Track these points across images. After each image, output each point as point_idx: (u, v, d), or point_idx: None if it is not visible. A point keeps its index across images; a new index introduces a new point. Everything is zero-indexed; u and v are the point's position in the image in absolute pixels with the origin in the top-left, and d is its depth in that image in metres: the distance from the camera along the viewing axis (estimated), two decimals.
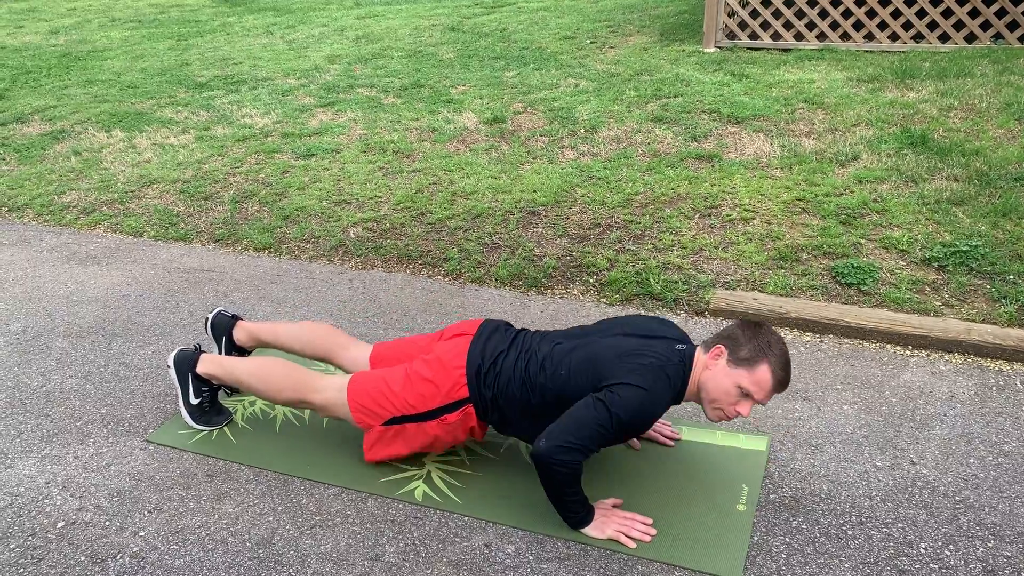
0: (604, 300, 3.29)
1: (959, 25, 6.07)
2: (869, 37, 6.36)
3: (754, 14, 6.57)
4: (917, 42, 6.20)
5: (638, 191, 4.12)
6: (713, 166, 4.34)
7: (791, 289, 3.22)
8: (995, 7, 5.93)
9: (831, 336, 2.98)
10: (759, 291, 3.22)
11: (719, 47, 6.65)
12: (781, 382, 2.06)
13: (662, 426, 2.48)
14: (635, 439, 2.46)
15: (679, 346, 2.15)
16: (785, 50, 6.45)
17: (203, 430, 2.57)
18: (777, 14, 6.51)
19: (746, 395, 2.06)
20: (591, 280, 3.42)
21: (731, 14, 6.61)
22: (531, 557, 2.06)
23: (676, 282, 3.32)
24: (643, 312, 3.19)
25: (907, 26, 6.21)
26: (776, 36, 6.55)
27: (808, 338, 2.98)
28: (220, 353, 2.74)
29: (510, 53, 6.98)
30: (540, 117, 5.26)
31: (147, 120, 5.80)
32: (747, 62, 6.13)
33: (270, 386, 2.40)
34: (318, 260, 3.79)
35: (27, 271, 3.81)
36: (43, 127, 5.84)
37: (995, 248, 3.33)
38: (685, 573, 2.00)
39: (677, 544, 2.08)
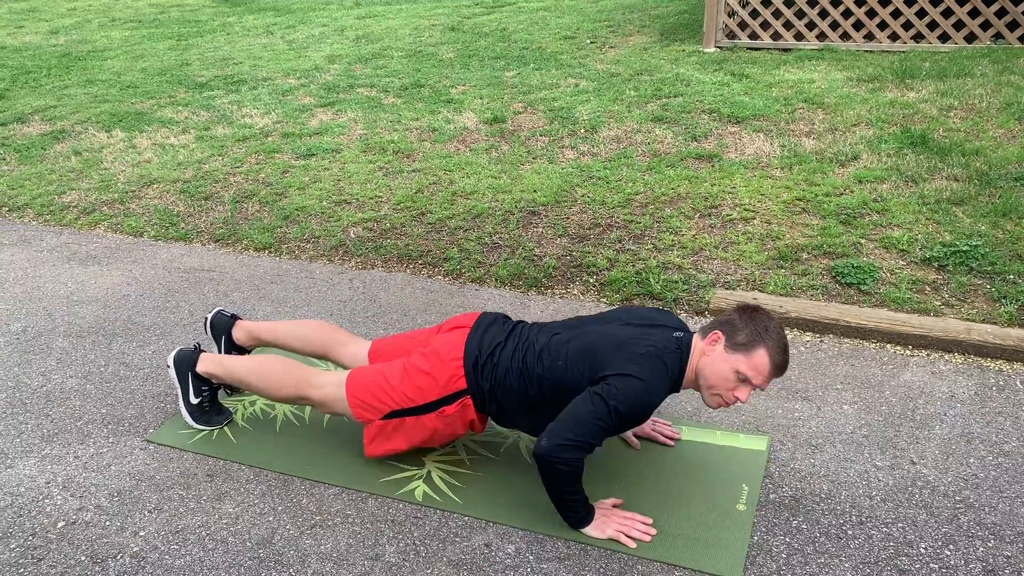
0: (604, 300, 3.29)
1: (959, 25, 6.07)
2: (869, 37, 6.36)
3: (754, 14, 6.57)
4: (917, 42, 6.20)
5: (638, 191, 4.12)
6: (713, 166, 4.35)
7: (791, 289, 3.22)
8: (995, 7, 5.93)
9: (831, 336, 2.98)
10: (759, 291, 3.22)
11: (719, 47, 6.65)
12: (779, 366, 2.05)
13: (662, 426, 2.48)
14: (635, 439, 2.46)
15: (676, 334, 2.14)
16: (785, 50, 6.45)
17: (203, 430, 2.58)
18: (777, 14, 6.52)
19: (744, 380, 2.05)
20: (591, 280, 3.42)
21: (731, 14, 6.61)
22: (531, 557, 2.06)
23: (676, 282, 3.32)
24: None
25: (907, 26, 6.21)
26: (776, 36, 6.56)
27: (808, 338, 2.98)
28: (220, 353, 2.74)
29: (510, 53, 6.98)
30: (540, 117, 5.27)
31: (147, 120, 5.80)
32: (747, 62, 6.13)
33: (269, 383, 2.41)
34: (318, 260, 3.79)
35: (27, 271, 3.81)
36: (43, 127, 5.84)
37: (995, 248, 3.33)
38: (685, 573, 2.00)
39: (677, 544, 2.08)
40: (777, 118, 4.88)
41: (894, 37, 6.27)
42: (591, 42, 7.19)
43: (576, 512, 2.09)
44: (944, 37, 6.13)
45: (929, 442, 2.41)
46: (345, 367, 2.52)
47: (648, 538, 2.08)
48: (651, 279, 3.34)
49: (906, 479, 2.27)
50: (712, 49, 6.60)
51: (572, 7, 8.92)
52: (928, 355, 2.84)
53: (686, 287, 3.29)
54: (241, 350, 2.75)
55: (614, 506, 2.19)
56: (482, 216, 4.00)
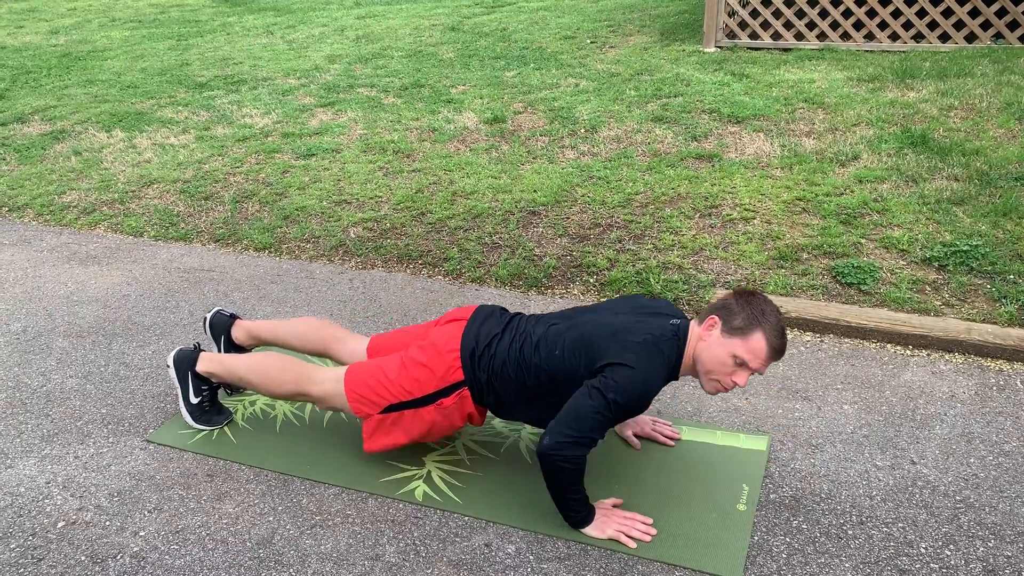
0: (604, 300, 3.29)
1: (959, 25, 6.07)
2: (869, 37, 6.36)
3: (754, 14, 6.57)
4: (917, 42, 6.20)
5: (638, 191, 4.12)
6: (713, 166, 4.34)
7: (791, 289, 3.22)
8: (995, 7, 5.93)
9: (831, 336, 2.98)
10: (760, 291, 3.22)
11: (719, 47, 6.65)
12: (776, 349, 2.03)
13: (662, 426, 2.48)
14: (635, 439, 2.46)
15: (673, 321, 2.12)
16: (785, 50, 6.45)
17: (203, 430, 2.58)
18: (777, 14, 6.52)
19: (742, 364, 2.03)
20: (591, 280, 3.42)
21: (731, 14, 6.61)
22: (531, 557, 2.06)
23: (676, 282, 3.31)
24: None
25: (907, 26, 6.21)
26: (776, 36, 6.55)
27: (808, 338, 2.98)
28: (219, 352, 2.74)
29: (510, 53, 6.98)
30: (540, 117, 5.26)
31: (147, 120, 5.80)
32: (747, 62, 6.13)
33: (269, 380, 2.41)
34: (318, 260, 3.79)
35: (27, 271, 3.81)
36: (43, 127, 5.84)
37: (995, 248, 3.33)
38: (685, 573, 2.00)
39: (677, 544, 2.08)
40: (777, 118, 4.88)
41: (894, 37, 6.27)
42: (591, 42, 7.19)
43: (577, 512, 2.09)
44: (944, 37, 6.13)
45: (929, 442, 2.41)
46: (344, 364, 2.52)
47: (648, 538, 2.08)
48: (651, 279, 3.34)
49: (906, 479, 2.27)
50: (712, 49, 6.60)
51: (572, 7, 8.92)
52: (928, 355, 2.84)
53: (686, 287, 3.29)
54: (240, 349, 2.75)
55: (614, 506, 2.19)
56: (482, 216, 4.00)
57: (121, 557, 2.11)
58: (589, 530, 2.10)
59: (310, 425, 2.60)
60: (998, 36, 6.03)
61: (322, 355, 2.60)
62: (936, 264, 3.28)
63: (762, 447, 2.41)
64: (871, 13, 6.27)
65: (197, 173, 4.81)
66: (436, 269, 3.62)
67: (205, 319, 2.78)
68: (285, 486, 2.34)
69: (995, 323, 2.91)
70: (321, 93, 6.15)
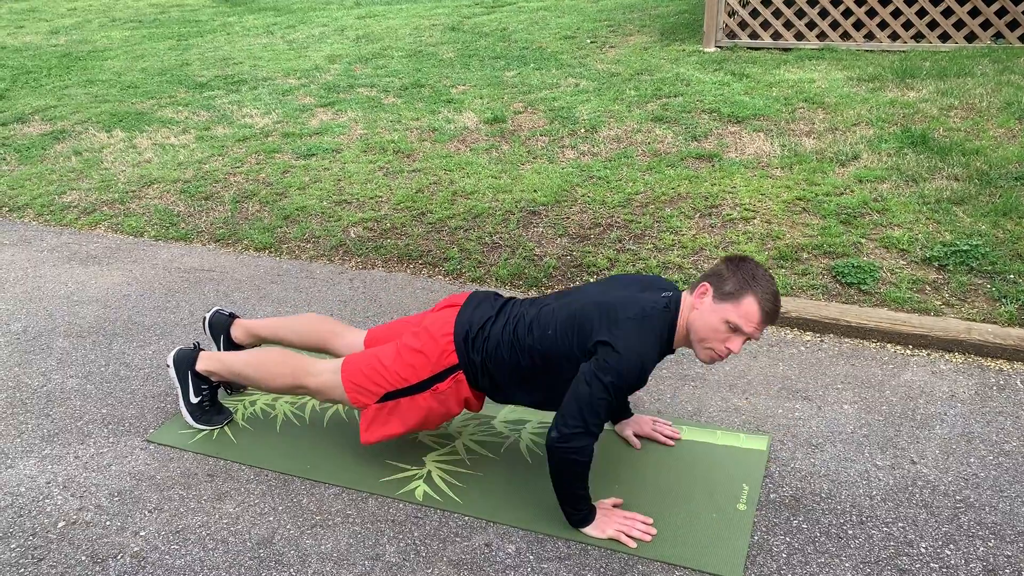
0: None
1: (959, 24, 6.07)
2: (869, 36, 6.36)
3: (754, 13, 6.57)
4: (917, 41, 6.20)
5: (638, 191, 4.12)
6: (713, 166, 4.34)
7: (791, 288, 3.22)
8: (995, 6, 5.93)
9: (831, 335, 2.98)
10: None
11: (719, 47, 6.65)
12: (769, 313, 2.01)
13: (662, 426, 2.48)
14: (635, 439, 2.46)
15: (665, 294, 2.11)
16: (785, 50, 6.45)
17: (203, 430, 2.58)
18: (777, 14, 6.51)
19: (735, 330, 2.01)
20: (591, 280, 3.42)
21: (731, 14, 6.60)
22: (532, 557, 2.06)
23: (677, 281, 3.31)
24: None
25: (907, 25, 6.21)
26: (776, 35, 6.55)
27: (808, 337, 2.98)
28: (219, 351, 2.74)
29: (510, 53, 6.98)
30: (540, 117, 5.26)
31: (147, 120, 5.80)
32: (747, 61, 6.13)
33: (267, 373, 2.41)
34: (318, 260, 3.79)
35: (28, 271, 3.81)
36: (43, 127, 5.85)
37: (995, 247, 3.33)
38: (685, 572, 2.00)
39: (678, 543, 2.08)
40: (777, 118, 4.88)
41: (894, 37, 6.27)
42: (591, 42, 7.19)
43: (579, 510, 2.09)
44: (944, 36, 6.13)
45: (929, 442, 2.41)
46: (342, 356, 2.52)
47: (648, 538, 2.08)
48: None
49: (906, 479, 2.27)
50: (712, 49, 6.60)
51: (572, 7, 8.92)
52: (928, 355, 2.84)
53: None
54: (240, 348, 2.75)
55: (614, 506, 2.19)
56: (482, 216, 4.00)
57: (121, 557, 2.11)
58: (589, 530, 2.10)
59: (310, 425, 2.61)
60: (998, 36, 6.03)
61: (321, 350, 2.60)
62: (936, 264, 3.28)
63: (762, 447, 2.41)
64: (871, 13, 6.27)
65: (197, 173, 4.81)
66: (436, 269, 3.63)
67: (204, 319, 2.78)
68: (285, 486, 2.34)
69: (995, 323, 2.91)
70: (321, 93, 6.15)
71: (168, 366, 2.56)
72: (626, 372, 1.98)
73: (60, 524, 2.22)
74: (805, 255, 3.43)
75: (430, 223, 3.99)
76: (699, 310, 2.05)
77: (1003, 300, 3.03)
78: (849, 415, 2.54)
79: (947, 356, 2.82)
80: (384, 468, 2.39)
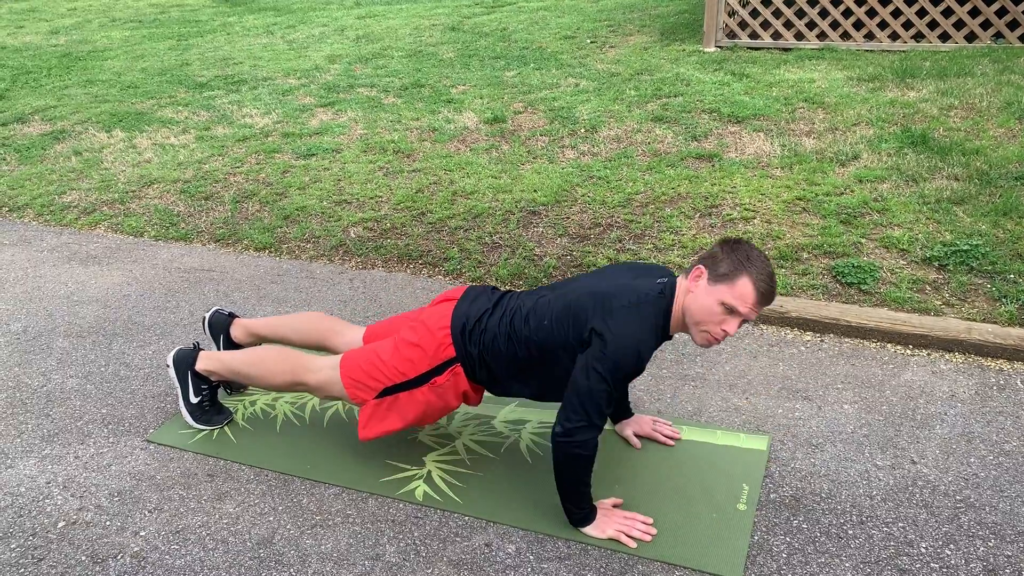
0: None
1: (959, 24, 6.07)
2: (869, 36, 6.36)
3: (754, 13, 6.57)
4: (917, 41, 6.20)
5: (638, 191, 4.12)
6: (713, 166, 4.34)
7: (791, 288, 3.22)
8: (995, 6, 5.93)
9: (831, 335, 2.98)
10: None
11: (719, 46, 6.65)
12: (764, 293, 1.99)
13: (662, 426, 2.48)
14: (635, 439, 2.45)
15: (660, 280, 2.09)
16: (785, 49, 6.45)
17: (203, 430, 2.58)
18: (777, 13, 6.51)
19: (731, 311, 1.99)
20: None
21: (731, 13, 6.60)
22: (532, 556, 2.06)
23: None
24: None
25: (907, 25, 6.21)
26: (776, 35, 6.55)
27: (808, 337, 2.98)
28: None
29: (510, 53, 6.98)
30: (540, 117, 5.26)
31: (147, 120, 5.80)
32: (747, 61, 6.13)
33: (266, 371, 2.41)
34: (319, 260, 3.79)
35: (28, 271, 3.81)
36: (43, 127, 5.85)
37: (995, 247, 3.33)
38: (686, 572, 2.00)
39: (678, 543, 2.08)
40: (777, 118, 4.88)
41: (894, 36, 6.27)
42: (591, 42, 7.19)
43: (581, 508, 2.09)
44: (944, 36, 6.13)
45: (930, 441, 2.41)
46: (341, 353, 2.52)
47: (649, 538, 2.08)
48: None
49: (906, 478, 2.27)
50: (712, 49, 6.60)
51: (572, 7, 8.92)
52: (928, 355, 2.84)
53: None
54: (240, 348, 2.75)
55: (614, 506, 2.19)
56: (482, 216, 4.00)
57: (121, 557, 2.11)
58: (589, 530, 2.10)
59: (310, 425, 2.61)
60: (998, 35, 6.03)
61: (321, 348, 2.60)
62: (936, 264, 3.28)
63: (762, 447, 2.41)
64: (871, 13, 6.27)
65: (197, 173, 4.81)
66: (436, 269, 3.63)
67: (204, 318, 2.78)
68: (285, 486, 2.34)
69: (995, 323, 2.91)
70: (321, 93, 6.15)
71: (168, 366, 2.56)
72: (622, 360, 1.97)
73: (60, 524, 2.22)
74: (805, 255, 3.43)
75: (430, 223, 3.99)
76: (694, 293, 2.04)
77: (1003, 300, 3.03)
78: (849, 415, 2.54)
79: (947, 356, 2.82)
80: (384, 468, 2.39)
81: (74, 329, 3.25)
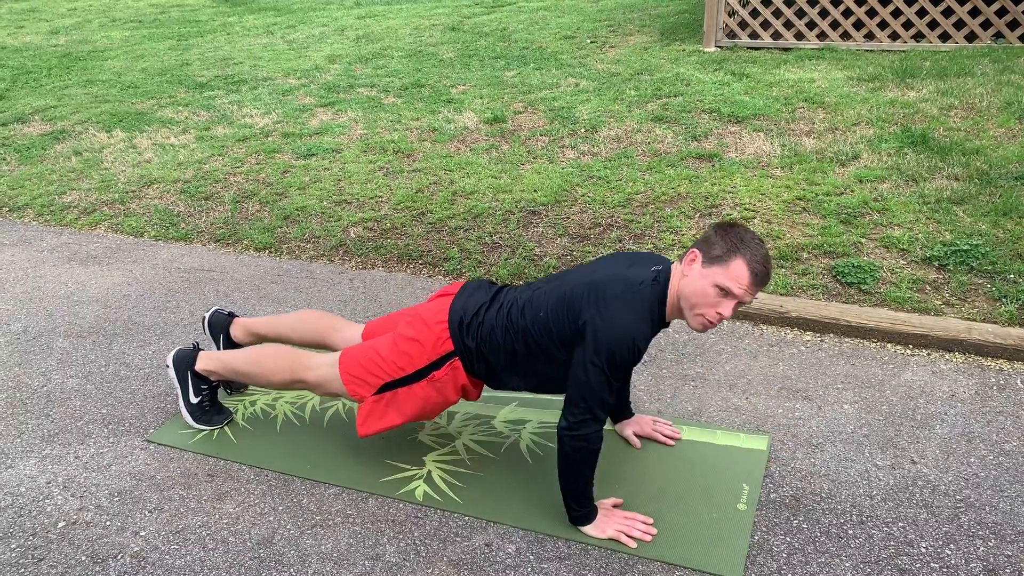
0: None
1: (960, 24, 6.07)
2: (869, 36, 6.36)
3: (754, 13, 6.57)
4: (917, 41, 6.20)
5: (638, 190, 4.12)
6: (713, 165, 4.34)
7: (791, 288, 3.22)
8: (996, 6, 5.93)
9: (831, 335, 2.98)
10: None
11: (719, 46, 6.65)
12: (758, 274, 1.97)
13: (662, 426, 2.48)
14: (635, 438, 2.46)
15: (654, 267, 2.08)
16: (785, 49, 6.45)
17: (204, 430, 2.58)
18: (777, 13, 6.51)
19: (726, 293, 1.97)
20: None
21: (731, 13, 6.60)
22: (532, 556, 2.06)
23: None
24: None
25: (907, 25, 6.21)
26: (776, 35, 6.55)
27: (808, 337, 2.98)
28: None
29: (510, 53, 6.98)
30: (540, 117, 5.26)
31: (147, 120, 5.80)
32: (747, 61, 6.13)
33: (265, 369, 2.41)
34: (319, 260, 3.79)
35: (28, 271, 3.81)
36: (44, 127, 5.85)
37: (996, 247, 3.33)
38: (686, 572, 2.00)
39: (678, 543, 2.08)
40: (777, 117, 4.88)
41: (894, 36, 6.27)
42: (591, 42, 7.19)
43: (583, 506, 2.09)
44: (944, 36, 6.13)
45: (930, 441, 2.41)
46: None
47: (649, 538, 2.08)
48: None
49: (907, 478, 2.27)
50: (712, 49, 6.60)
51: (572, 7, 8.92)
52: (928, 354, 2.84)
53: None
54: (239, 347, 2.75)
55: (614, 506, 2.19)
56: (482, 216, 4.00)
57: (121, 557, 2.11)
58: (589, 530, 2.10)
59: (310, 425, 2.61)
60: (998, 35, 6.03)
61: (320, 346, 2.60)
62: (936, 263, 3.28)
63: (762, 447, 2.41)
64: (871, 12, 6.27)
65: (197, 173, 4.81)
66: (436, 269, 3.63)
67: (204, 318, 2.78)
68: (285, 486, 2.34)
69: (995, 322, 2.91)
70: (321, 93, 6.15)
71: (167, 366, 2.57)
72: (617, 351, 1.97)
73: (60, 524, 2.22)
74: (805, 255, 3.43)
75: (430, 223, 3.99)
76: (689, 277, 2.02)
77: (1003, 300, 3.03)
78: (849, 415, 2.54)
79: (947, 356, 2.82)
80: (384, 468, 2.39)
81: (74, 329, 3.25)
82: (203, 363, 2.54)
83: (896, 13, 6.20)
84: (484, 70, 6.48)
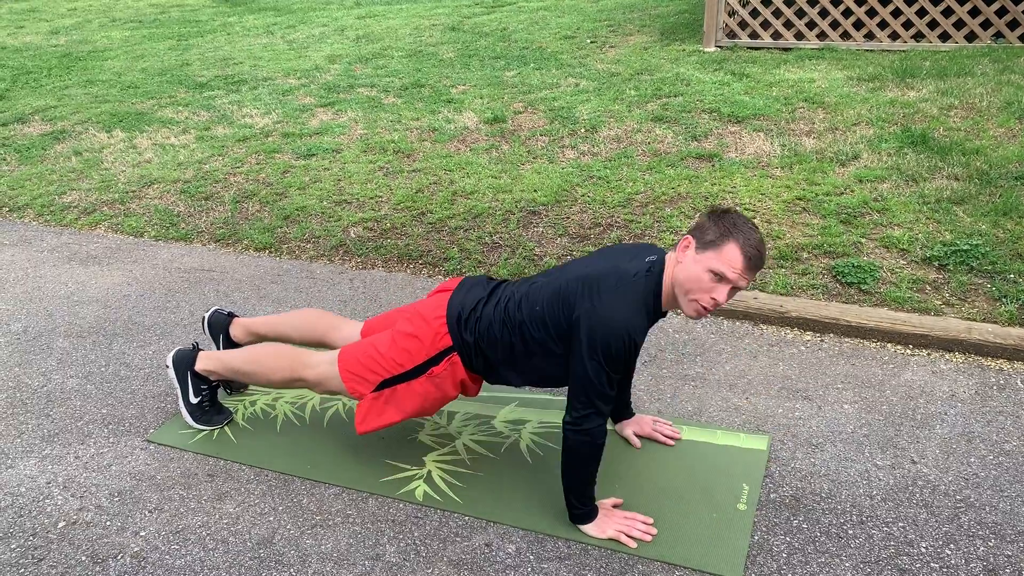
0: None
1: (959, 24, 6.07)
2: (869, 36, 6.36)
3: (754, 13, 6.57)
4: (917, 41, 6.20)
5: (638, 190, 4.12)
6: (713, 165, 4.34)
7: (791, 288, 3.22)
8: (995, 6, 5.93)
9: (832, 335, 2.98)
10: (759, 290, 3.22)
11: (719, 46, 6.65)
12: (752, 259, 1.96)
13: (662, 426, 2.48)
14: (635, 438, 2.46)
15: (649, 258, 2.08)
16: (785, 49, 6.45)
17: (204, 430, 2.58)
18: (777, 13, 6.51)
19: (720, 278, 1.96)
20: None
21: (731, 13, 6.60)
22: (532, 556, 2.06)
23: None
24: None
25: (907, 25, 6.21)
26: (776, 35, 6.55)
27: (809, 337, 2.98)
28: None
29: (510, 53, 6.98)
30: (540, 117, 5.26)
31: (148, 120, 5.80)
32: (747, 61, 6.13)
33: (265, 368, 2.41)
34: (319, 260, 3.79)
35: (28, 271, 3.81)
36: (44, 127, 5.85)
37: (995, 247, 3.33)
38: (686, 572, 2.00)
39: (678, 543, 2.08)
40: (777, 117, 4.88)
41: (894, 36, 6.27)
42: (591, 42, 7.19)
43: (584, 505, 2.09)
44: (944, 36, 6.13)
45: (930, 441, 2.41)
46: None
47: (649, 538, 2.08)
48: None
49: (907, 478, 2.27)
50: (712, 49, 6.60)
51: (572, 7, 8.92)
52: (929, 354, 2.84)
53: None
54: (239, 347, 2.75)
55: (614, 506, 2.19)
56: (482, 216, 4.00)
57: (121, 557, 2.11)
58: (589, 529, 2.10)
59: (310, 425, 2.61)
60: (998, 35, 6.03)
61: (320, 345, 2.60)
62: (936, 263, 3.28)
63: (762, 447, 2.41)
64: (871, 12, 6.27)
65: (197, 173, 4.81)
66: (436, 269, 3.63)
67: (203, 318, 2.78)
68: (285, 486, 2.34)
69: (995, 322, 2.91)
70: (321, 93, 6.15)
71: (167, 367, 2.57)
72: (613, 344, 1.97)
73: (60, 524, 2.22)
74: (805, 255, 3.43)
75: (430, 223, 3.99)
76: (682, 263, 2.02)
77: (1003, 300, 3.03)
78: (849, 415, 2.54)
79: (947, 356, 2.82)
80: (384, 468, 2.39)
81: (74, 329, 3.25)
82: (203, 363, 2.54)
83: (896, 13, 6.20)
84: (484, 70, 6.48)
